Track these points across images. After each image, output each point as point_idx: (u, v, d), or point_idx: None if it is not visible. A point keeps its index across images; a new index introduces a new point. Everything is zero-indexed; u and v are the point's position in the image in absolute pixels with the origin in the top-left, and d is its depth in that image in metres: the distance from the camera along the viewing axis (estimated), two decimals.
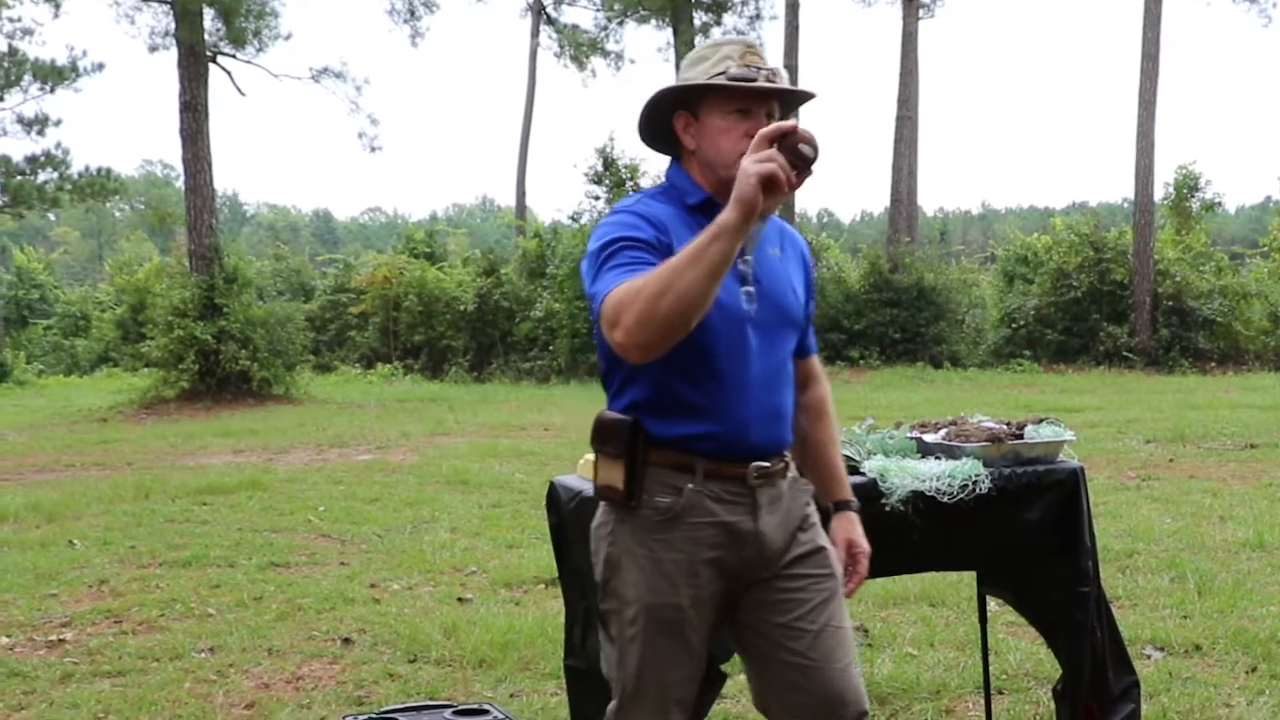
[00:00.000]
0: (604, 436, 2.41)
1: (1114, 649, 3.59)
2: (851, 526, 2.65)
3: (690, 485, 2.36)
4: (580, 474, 3.43)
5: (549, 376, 25.65)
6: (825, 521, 2.60)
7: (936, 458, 3.46)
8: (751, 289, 2.37)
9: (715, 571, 2.38)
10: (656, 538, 2.37)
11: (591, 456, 3.04)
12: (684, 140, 2.43)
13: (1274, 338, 25.22)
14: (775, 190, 2.04)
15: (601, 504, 2.47)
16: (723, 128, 2.35)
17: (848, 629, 2.48)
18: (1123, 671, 3.61)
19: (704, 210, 2.34)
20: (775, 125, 2.08)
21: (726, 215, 2.03)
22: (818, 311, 25.62)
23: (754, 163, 2.02)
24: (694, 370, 2.32)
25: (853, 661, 2.46)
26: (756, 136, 2.07)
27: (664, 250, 2.24)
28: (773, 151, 2.04)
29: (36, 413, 20.37)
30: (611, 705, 2.49)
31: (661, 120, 2.45)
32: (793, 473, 2.50)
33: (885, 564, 3.55)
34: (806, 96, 2.45)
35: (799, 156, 2.07)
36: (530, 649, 4.98)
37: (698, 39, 27.53)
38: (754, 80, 2.32)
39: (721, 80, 2.32)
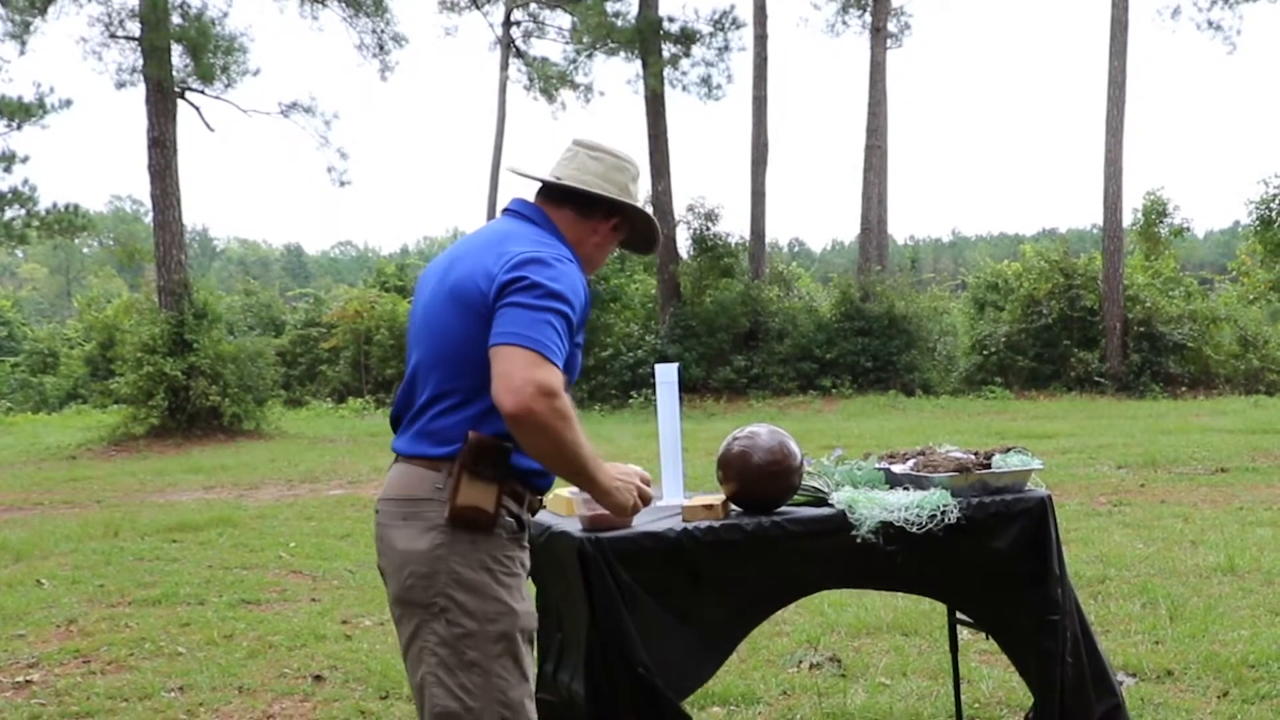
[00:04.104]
0: (479, 458, 2.42)
1: (1095, 671, 3.59)
2: None
3: (525, 514, 2.55)
4: (549, 509, 3.42)
5: None
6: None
7: (905, 488, 3.47)
8: None
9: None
10: (508, 554, 2.49)
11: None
12: (598, 228, 2.66)
13: (1244, 361, 25.47)
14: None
15: (444, 525, 2.43)
16: (609, 247, 2.71)
17: None
18: (1105, 694, 3.61)
19: None
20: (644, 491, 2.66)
21: (607, 489, 2.52)
22: (790, 339, 25.23)
23: (635, 494, 2.62)
24: None
25: None
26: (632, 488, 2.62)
27: (581, 325, 2.48)
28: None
29: (4, 451, 20.16)
30: None
31: (601, 202, 2.65)
32: None
33: (859, 580, 3.57)
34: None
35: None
36: None
37: (666, 70, 27.70)
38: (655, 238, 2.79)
39: (658, 230, 2.79)
